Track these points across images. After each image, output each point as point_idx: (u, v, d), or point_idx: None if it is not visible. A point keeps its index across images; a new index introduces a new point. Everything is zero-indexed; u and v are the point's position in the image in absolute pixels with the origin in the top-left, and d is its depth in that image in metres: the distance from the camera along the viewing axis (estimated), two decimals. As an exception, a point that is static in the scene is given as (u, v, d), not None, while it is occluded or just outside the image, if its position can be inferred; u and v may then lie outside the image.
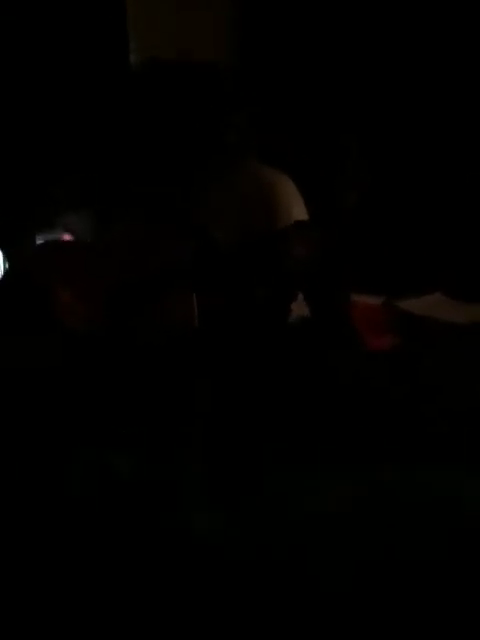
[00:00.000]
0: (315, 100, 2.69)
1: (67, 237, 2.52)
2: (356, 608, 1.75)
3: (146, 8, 3.07)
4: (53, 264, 2.42)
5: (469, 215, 2.74)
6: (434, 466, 2.02)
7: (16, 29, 2.77)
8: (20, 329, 2.31)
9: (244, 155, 2.60)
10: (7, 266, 2.47)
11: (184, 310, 2.33)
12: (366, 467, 2.00)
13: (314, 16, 3.01)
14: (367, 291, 2.56)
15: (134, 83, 2.65)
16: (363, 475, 1.98)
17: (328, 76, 2.75)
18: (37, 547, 1.90)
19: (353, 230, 2.53)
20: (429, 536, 1.83)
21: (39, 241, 2.52)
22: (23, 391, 2.17)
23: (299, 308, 2.61)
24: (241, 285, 2.41)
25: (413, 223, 2.65)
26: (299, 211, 2.52)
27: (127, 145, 2.57)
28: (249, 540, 1.87)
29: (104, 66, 2.72)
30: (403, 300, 2.55)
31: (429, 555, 1.80)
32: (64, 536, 1.91)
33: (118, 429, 2.08)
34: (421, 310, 2.54)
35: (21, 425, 2.10)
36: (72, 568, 1.88)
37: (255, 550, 1.84)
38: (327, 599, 1.77)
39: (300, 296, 2.61)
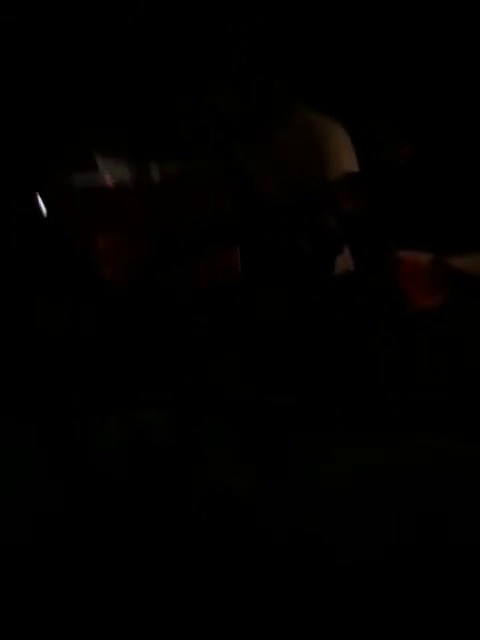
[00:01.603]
0: (365, 48, 2.57)
1: (108, 181, 2.43)
2: (385, 572, 1.73)
3: None
4: (93, 209, 2.34)
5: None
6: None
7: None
8: (57, 278, 2.26)
9: (293, 102, 2.49)
10: (45, 210, 2.39)
11: (227, 263, 2.26)
12: (402, 434, 1.95)
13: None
14: (416, 247, 2.46)
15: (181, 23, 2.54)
16: (397, 441, 1.93)
17: (380, 25, 2.62)
18: (73, 503, 1.88)
19: (404, 184, 2.44)
20: (458, 505, 1.80)
21: (79, 185, 2.43)
22: (59, 346, 2.12)
23: (344, 262, 2.53)
24: (286, 238, 2.32)
25: (465, 178, 2.55)
26: (349, 162, 2.41)
27: (172, 88, 2.47)
28: (281, 501, 1.83)
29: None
30: (453, 257, 2.45)
31: (456, 522, 1.77)
32: (98, 493, 1.89)
33: (153, 388, 2.04)
34: (472, 268, 2.45)
35: (58, 381, 2.06)
36: (104, 524, 1.87)
37: (287, 511, 1.81)
38: (354, 561, 1.74)
39: (346, 250, 2.53)
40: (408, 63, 2.57)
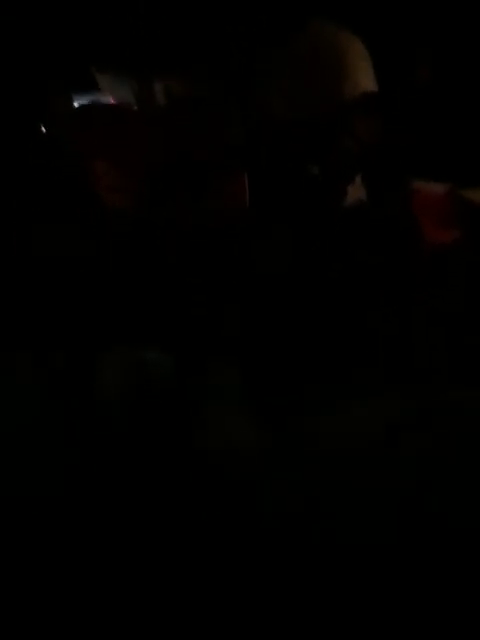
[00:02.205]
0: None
1: (111, 101, 2.31)
2: (395, 534, 1.69)
3: None
4: (93, 131, 2.23)
5: None
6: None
7: None
8: (56, 203, 2.15)
9: (306, 15, 2.32)
10: (44, 130, 2.27)
11: (235, 191, 2.15)
12: (416, 387, 1.89)
13: None
14: (431, 178, 2.35)
15: None
16: (403, 393, 1.87)
17: None
18: (73, 440, 1.83)
19: (421, 111, 2.31)
20: (466, 460, 1.75)
21: (79, 103, 2.30)
22: (59, 280, 2.03)
23: (356, 191, 2.42)
24: (296, 163, 2.20)
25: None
26: (368, 81, 2.25)
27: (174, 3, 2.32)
28: (282, 458, 1.78)
29: None
30: (470, 190, 2.34)
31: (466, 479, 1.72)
32: (98, 436, 1.83)
33: (155, 326, 1.96)
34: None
35: (59, 315, 1.98)
36: (102, 467, 1.82)
37: (287, 469, 1.76)
38: (365, 521, 1.70)
39: (358, 178, 2.42)
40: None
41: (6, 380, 1.88)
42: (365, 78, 2.27)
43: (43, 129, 2.27)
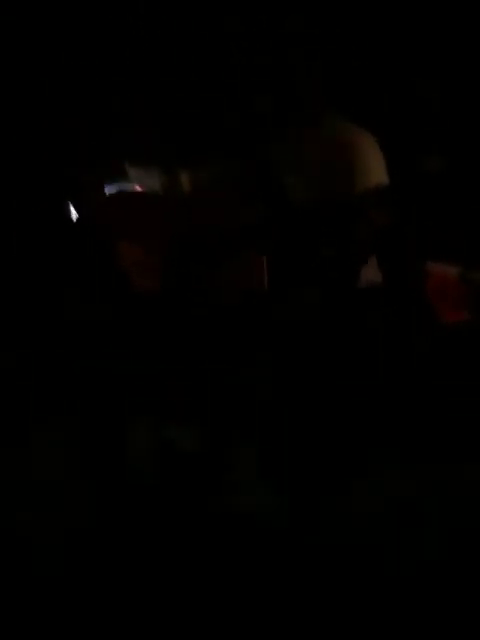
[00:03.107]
0: (400, 57, 2.55)
1: (138, 189, 2.45)
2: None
3: None
4: (121, 216, 2.36)
5: None
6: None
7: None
8: (86, 283, 2.27)
9: (324, 109, 2.47)
10: (75, 217, 2.42)
11: (254, 272, 2.26)
12: (433, 465, 1.94)
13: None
14: (444, 260, 2.44)
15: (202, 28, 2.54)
16: (428, 472, 1.92)
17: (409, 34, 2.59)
18: (99, 514, 1.90)
19: (433, 196, 2.42)
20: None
21: (109, 192, 2.45)
22: (84, 353, 2.14)
23: (371, 273, 2.52)
24: (314, 247, 2.32)
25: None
26: (379, 174, 2.39)
27: (198, 96, 2.47)
28: (303, 524, 1.83)
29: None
30: (481, 272, 2.43)
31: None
32: (126, 504, 1.90)
33: (179, 400, 2.05)
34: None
35: (83, 389, 2.08)
36: (130, 534, 1.88)
37: (307, 535, 1.81)
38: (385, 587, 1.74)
39: (373, 260, 2.52)
40: (439, 73, 2.55)
41: (39, 443, 1.97)
42: (376, 171, 2.41)
43: (75, 213, 2.42)
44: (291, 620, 1.75)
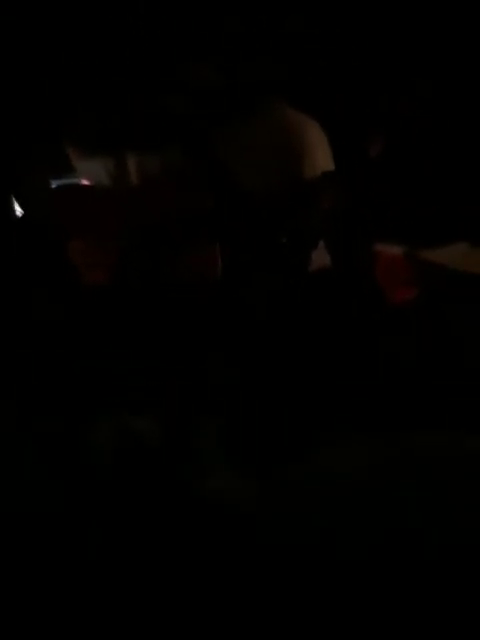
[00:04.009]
0: (347, 42, 2.57)
1: (84, 182, 2.43)
2: (385, 577, 1.76)
3: None
4: (69, 210, 2.35)
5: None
6: (460, 429, 1.99)
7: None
8: (35, 280, 2.26)
9: (271, 97, 2.48)
10: (20, 212, 2.39)
11: (207, 261, 2.27)
12: (387, 433, 1.98)
13: None
14: (389, 240, 2.49)
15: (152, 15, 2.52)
16: (385, 441, 1.96)
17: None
18: (62, 510, 1.89)
19: (378, 178, 2.46)
20: (457, 503, 1.83)
21: (54, 186, 2.42)
22: (39, 350, 2.12)
23: (320, 258, 2.55)
24: (266, 234, 2.34)
25: (437, 169, 2.57)
26: (325, 161, 2.43)
27: (144, 84, 2.46)
28: (272, 507, 1.85)
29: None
30: (426, 250, 2.48)
31: (459, 523, 1.80)
32: (88, 501, 1.90)
33: (138, 391, 2.05)
34: (444, 260, 2.48)
35: (39, 386, 2.07)
36: (92, 532, 1.88)
37: (279, 517, 1.83)
38: (354, 567, 1.77)
39: (321, 245, 2.55)
40: (395, 61, 2.58)
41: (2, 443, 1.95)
42: (322, 158, 2.45)
43: (18, 210, 2.39)
44: (266, 604, 1.77)
